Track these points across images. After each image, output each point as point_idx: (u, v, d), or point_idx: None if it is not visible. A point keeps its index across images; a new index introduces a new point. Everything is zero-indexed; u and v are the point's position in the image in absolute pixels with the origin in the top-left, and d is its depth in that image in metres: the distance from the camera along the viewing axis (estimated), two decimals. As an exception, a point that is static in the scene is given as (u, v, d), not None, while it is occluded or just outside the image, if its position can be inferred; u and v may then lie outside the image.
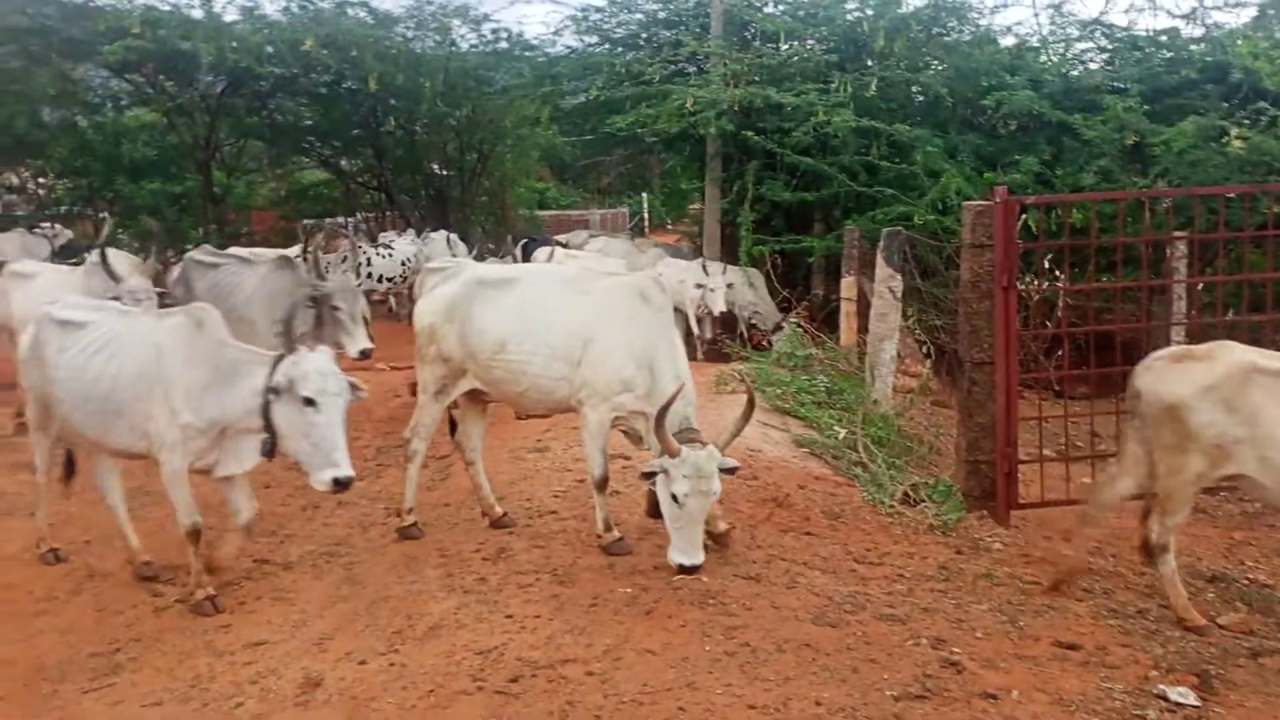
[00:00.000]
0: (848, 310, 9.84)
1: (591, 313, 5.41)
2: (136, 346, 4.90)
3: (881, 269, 8.26)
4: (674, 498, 4.87)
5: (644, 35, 15.45)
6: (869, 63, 13.30)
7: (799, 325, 10.75)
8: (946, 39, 13.87)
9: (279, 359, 4.62)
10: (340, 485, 4.54)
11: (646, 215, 25.04)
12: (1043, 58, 13.55)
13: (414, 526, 5.83)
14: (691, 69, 14.32)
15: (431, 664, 4.30)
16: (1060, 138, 11.75)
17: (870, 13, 13.43)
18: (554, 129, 17.27)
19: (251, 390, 4.65)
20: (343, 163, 18.45)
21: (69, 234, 15.01)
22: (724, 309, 11.79)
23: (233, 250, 9.95)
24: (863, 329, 9.04)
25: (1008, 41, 13.88)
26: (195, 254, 8.59)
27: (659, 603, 4.87)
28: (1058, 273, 9.15)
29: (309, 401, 4.48)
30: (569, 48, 16.33)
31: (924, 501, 6.38)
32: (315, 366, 4.53)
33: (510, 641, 4.50)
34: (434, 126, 17.26)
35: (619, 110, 13.67)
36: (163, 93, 15.95)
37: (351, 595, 5.08)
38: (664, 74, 13.76)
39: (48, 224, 15.30)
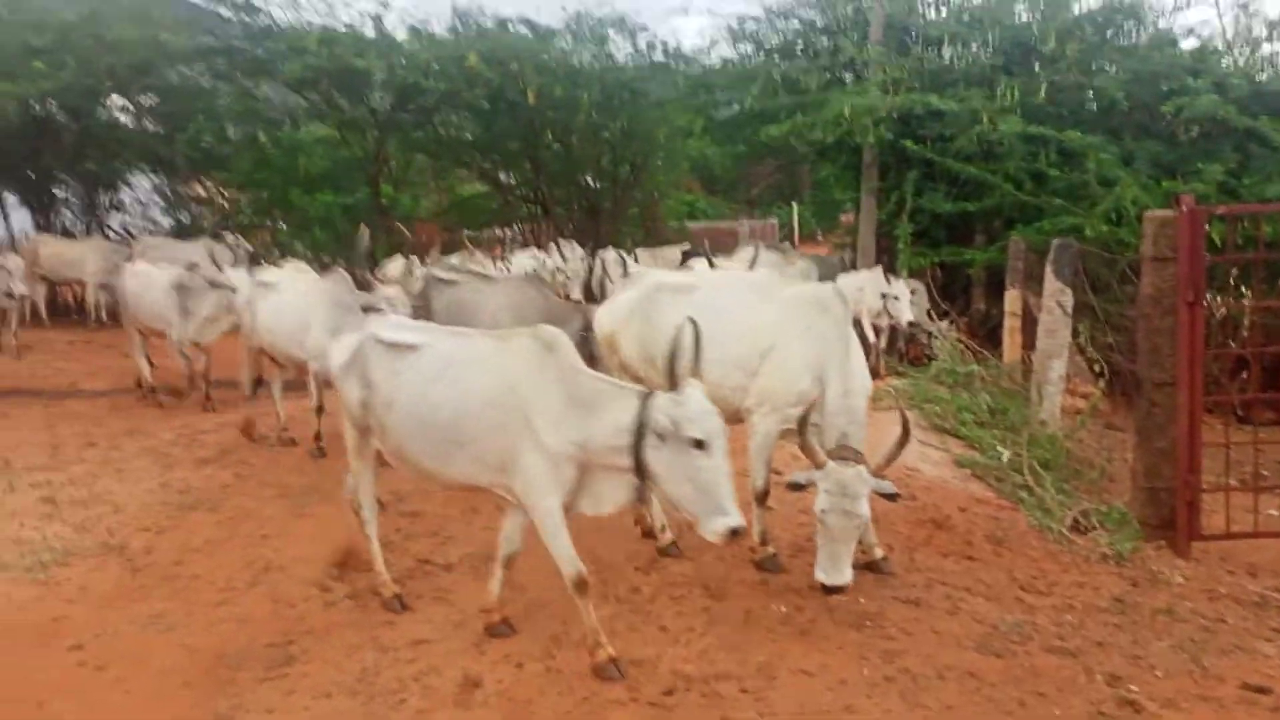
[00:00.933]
0: (1012, 326, 9.44)
1: (773, 322, 5.28)
2: (481, 372, 4.48)
3: (1050, 283, 7.90)
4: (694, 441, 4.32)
5: (801, 44, 15.30)
6: (1037, 67, 12.81)
7: (959, 341, 10.39)
8: (1122, 42, 13.19)
9: (648, 395, 4.10)
10: (734, 534, 3.97)
11: (796, 226, 24.78)
12: (1227, 60, 12.76)
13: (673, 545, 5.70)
14: (849, 76, 14.09)
15: (587, 672, 4.34)
16: (1246, 145, 11.02)
17: (1040, 15, 12.91)
18: (705, 140, 17.31)
19: (615, 427, 4.11)
20: (501, 175, 18.97)
21: (241, 242, 15.98)
22: (912, 318, 11.24)
23: (470, 267, 10.55)
24: (1027, 345, 8.67)
25: (1189, 43, 13.13)
26: (435, 270, 8.59)
27: (814, 623, 4.79)
28: (1244, 289, 8.56)
29: (699, 444, 3.94)
30: (724, 58, 16.37)
31: (1095, 529, 6.05)
32: (701, 406, 4.01)
33: (663, 654, 4.50)
34: (589, 139, 17.56)
35: (773, 120, 13.57)
36: (336, 108, 16.79)
37: (510, 599, 5.16)
38: (821, 82, 13.60)
39: (230, 233, 16.32)
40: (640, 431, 4.02)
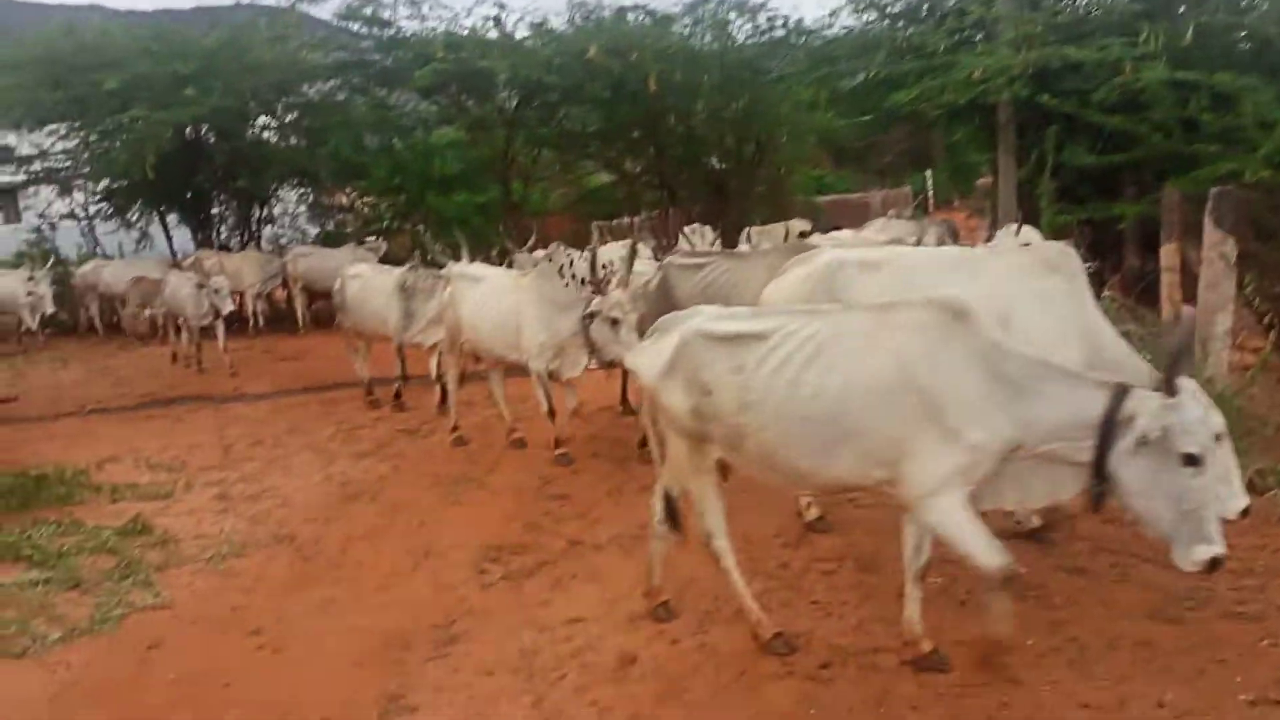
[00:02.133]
0: (1170, 281, 8.92)
1: (994, 293, 4.66)
2: (866, 352, 3.79)
3: (1210, 233, 7.44)
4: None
5: (925, 6, 14.82)
6: (1182, 10, 12.06)
7: (1113, 298, 9.91)
8: (1276, -26, 12.29)
9: (1123, 390, 3.45)
10: (1215, 565, 3.37)
11: (931, 193, 24.09)
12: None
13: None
14: (978, 36, 13.59)
15: (741, 646, 4.37)
16: None
17: (1183, -48, 12.17)
18: (831, 113, 16.99)
19: (1073, 420, 3.48)
20: (626, 164, 19.09)
21: (384, 246, 16.59)
22: None
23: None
24: (1188, 300, 8.19)
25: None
26: (674, 258, 7.92)
27: (971, 593, 4.65)
28: None
29: (1191, 460, 3.31)
30: (846, 28, 15.99)
31: (1273, 489, 5.69)
32: (1198, 415, 3.32)
33: (818, 627, 4.49)
34: (711, 121, 17.47)
35: (900, 86, 13.21)
36: (464, 111, 17.24)
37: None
38: (948, 44, 13.15)
39: (372, 238, 16.96)
40: (1110, 431, 3.42)
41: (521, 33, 16.66)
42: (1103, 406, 3.43)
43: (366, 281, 9.90)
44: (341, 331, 10.61)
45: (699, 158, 18.26)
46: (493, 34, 16.38)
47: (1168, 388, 3.33)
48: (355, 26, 16.92)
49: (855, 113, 16.67)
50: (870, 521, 5.52)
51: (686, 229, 13.65)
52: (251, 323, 16.02)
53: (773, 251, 7.35)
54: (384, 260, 16.81)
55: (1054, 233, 11.32)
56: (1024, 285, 4.73)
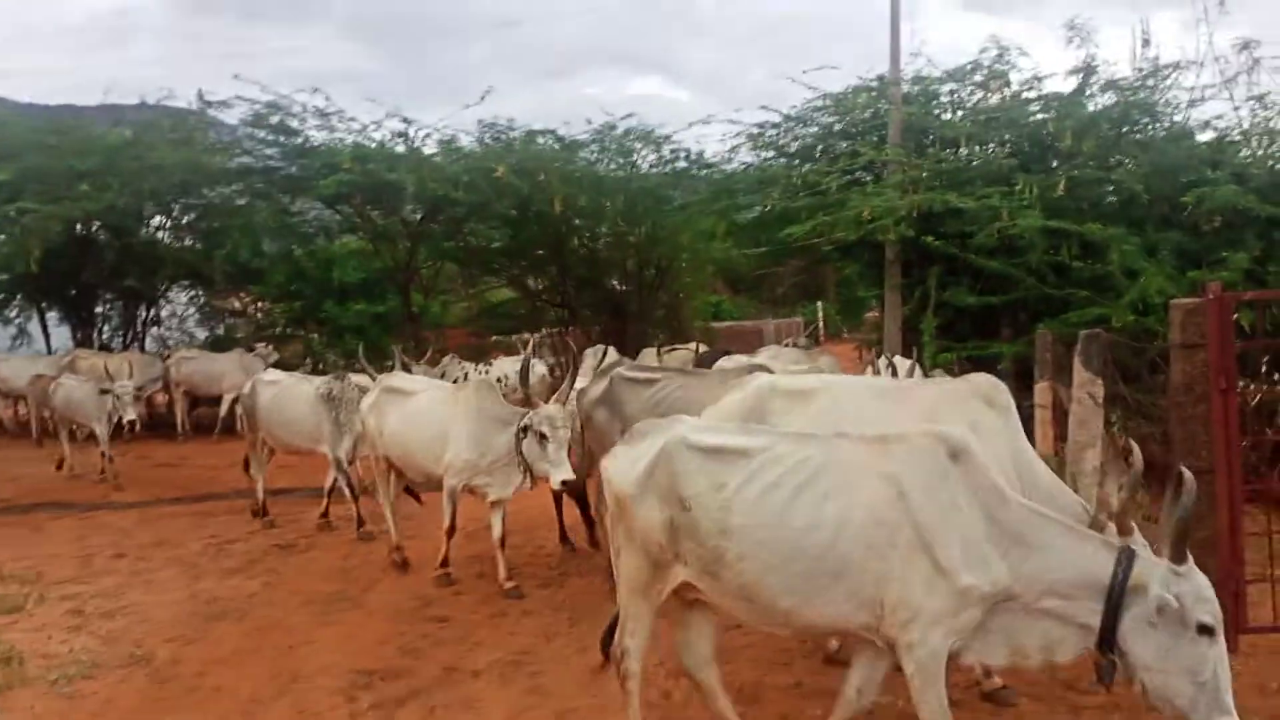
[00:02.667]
0: (1043, 418, 9.32)
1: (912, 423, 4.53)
2: (862, 481, 3.57)
3: (1080, 373, 7.81)
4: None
5: (820, 147, 15.55)
6: (1055, 163, 12.92)
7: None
8: (1139, 136, 13.33)
9: (1129, 552, 3.32)
10: None
11: (822, 324, 24.87)
12: (1245, 151, 12.82)
13: None
14: (868, 178, 14.29)
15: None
16: (1271, 233, 11.00)
17: (1055, 114, 13.11)
18: (729, 242, 17.53)
19: (1077, 580, 3.34)
20: (529, 281, 19.27)
21: (275, 354, 16.25)
22: None
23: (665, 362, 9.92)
24: (1059, 437, 8.54)
25: (1206, 136, 13.19)
26: (622, 370, 7.55)
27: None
28: (1276, 376, 8.44)
29: (1206, 629, 3.17)
30: (745, 163, 16.65)
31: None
32: (1206, 582, 3.25)
33: (697, 761, 4.37)
34: (615, 244, 17.88)
35: (795, 221, 13.72)
36: (369, 221, 17.24)
37: (537, 705, 5.07)
38: (840, 183, 13.77)
39: (262, 344, 16.61)
40: (1120, 599, 3.25)
41: (430, 148, 16.90)
42: (1109, 569, 3.28)
43: (283, 389, 9.37)
44: (246, 439, 9.96)
45: (601, 279, 18.58)
46: (400, 148, 16.56)
47: (1175, 554, 3.23)
48: (262, 133, 16.91)
49: (752, 244, 17.22)
50: (753, 649, 5.47)
51: (589, 350, 13.71)
52: (127, 427, 15.35)
53: (729, 372, 7.22)
54: (276, 367, 16.52)
55: (935, 366, 11.79)
56: (955, 416, 4.58)
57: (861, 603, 3.51)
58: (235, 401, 15.74)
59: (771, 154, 16.11)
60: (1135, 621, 3.23)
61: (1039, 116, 13.51)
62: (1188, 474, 3.31)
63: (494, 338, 18.59)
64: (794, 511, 3.56)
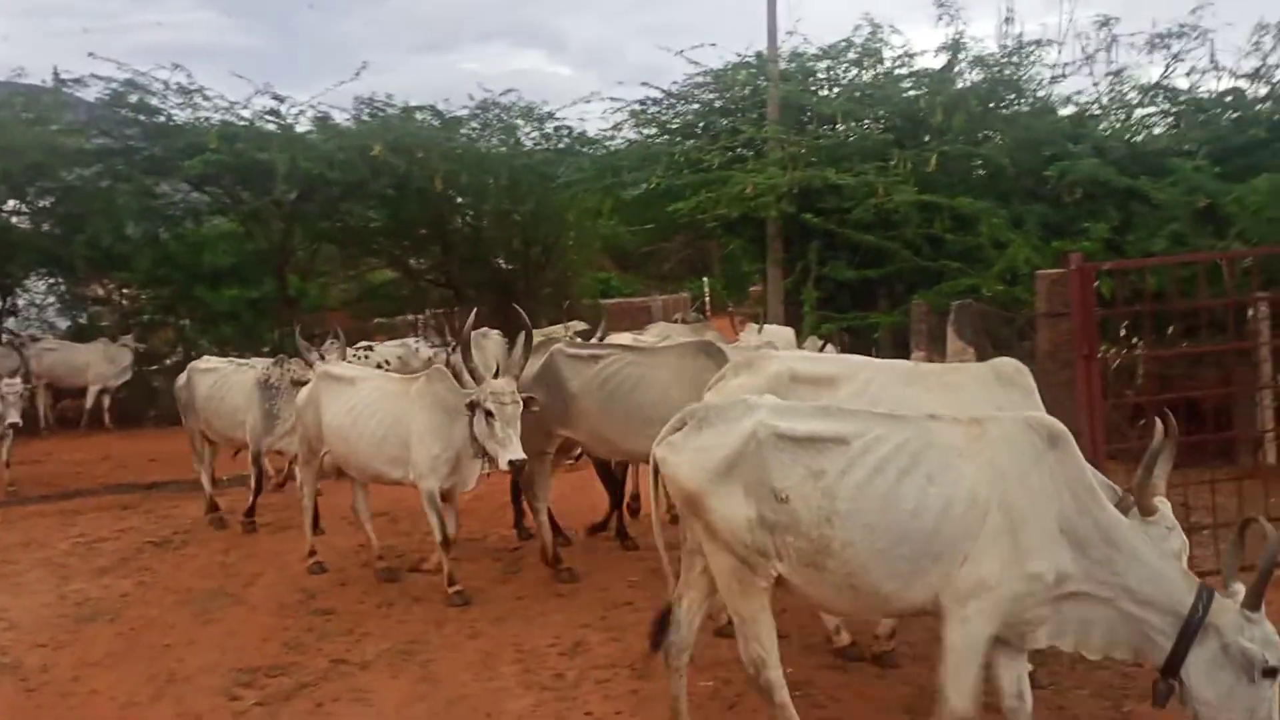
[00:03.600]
0: (919, 386, 9.63)
1: (956, 404, 4.44)
2: (960, 462, 3.53)
3: (953, 342, 8.11)
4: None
5: (701, 124, 15.68)
6: (927, 139, 13.32)
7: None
8: (1005, 111, 13.84)
9: (1209, 595, 3.34)
10: None
11: (708, 299, 25.11)
12: (1104, 125, 13.44)
13: None
14: (749, 154, 14.46)
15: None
16: (1129, 203, 11.55)
17: (926, 90, 13.49)
18: (615, 219, 17.51)
19: (1162, 602, 3.35)
20: (411, 261, 18.87)
21: (139, 344, 15.55)
22: None
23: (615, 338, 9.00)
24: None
25: (1068, 111, 13.79)
26: (562, 347, 7.13)
27: (741, 696, 4.73)
28: (1135, 340, 8.89)
29: (1271, 673, 3.20)
30: (628, 140, 16.67)
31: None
32: (1272, 632, 3.25)
33: (591, 740, 4.38)
34: (499, 222, 17.63)
35: (679, 197, 13.82)
36: (240, 202, 16.57)
37: (429, 694, 5.01)
38: (722, 160, 13.93)
39: (127, 335, 15.84)
40: (1193, 635, 3.28)
41: (303, 126, 16.34)
42: (1189, 602, 3.31)
43: (222, 377, 8.76)
44: (186, 432, 9.39)
45: (486, 258, 18.33)
46: (272, 126, 15.96)
47: (1252, 601, 3.28)
48: (122, 112, 16.07)
49: (638, 221, 17.27)
50: (645, 625, 5.49)
51: (477, 333, 13.15)
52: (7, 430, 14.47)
53: (678, 347, 6.79)
54: (144, 359, 15.81)
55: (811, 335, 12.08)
56: (984, 399, 4.55)
57: (948, 581, 3.47)
58: (102, 393, 15.08)
59: (654, 131, 16.17)
60: (1203, 658, 3.28)
61: (911, 93, 13.90)
62: (1269, 526, 3.38)
63: (377, 320, 18.15)
64: (901, 495, 3.48)
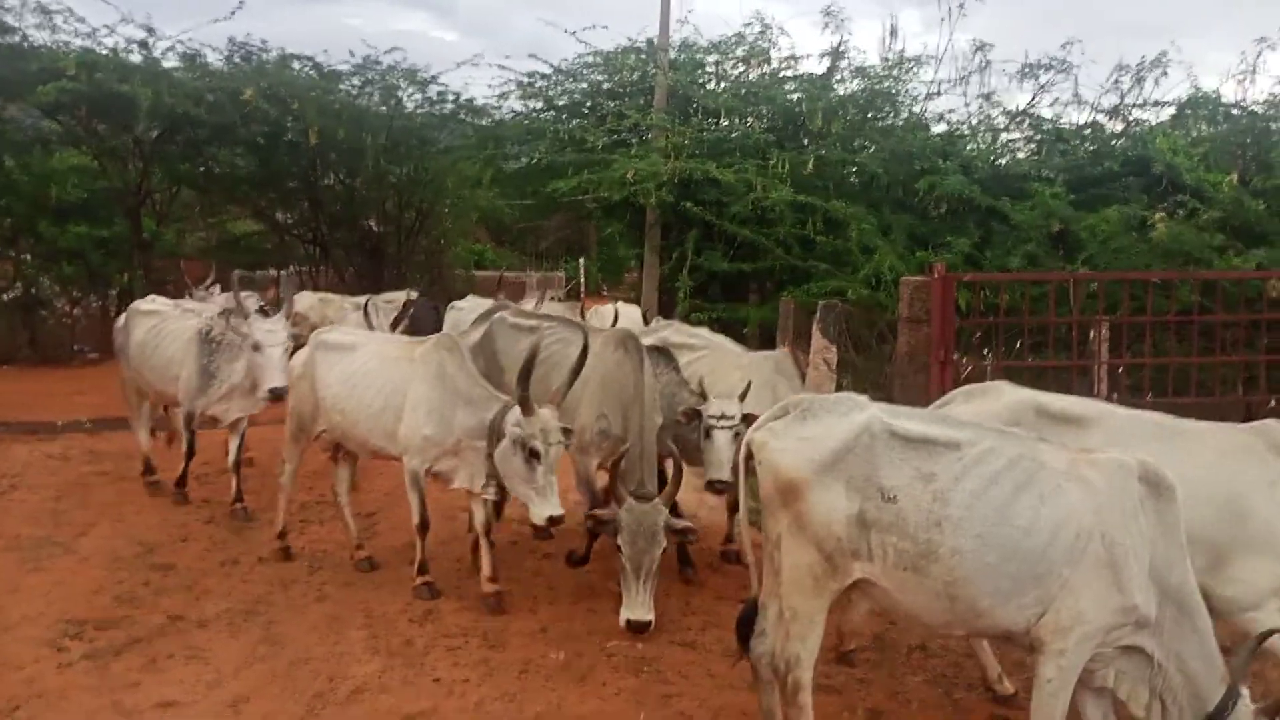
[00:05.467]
0: (782, 380, 9.89)
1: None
2: (1070, 487, 3.43)
3: (817, 340, 8.35)
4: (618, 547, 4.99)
5: (588, 104, 15.65)
6: (806, 142, 13.66)
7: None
8: (881, 123, 14.31)
9: (1236, 693, 3.38)
10: None
11: (584, 280, 25.13)
12: (972, 145, 14.05)
13: None
14: (634, 139, 14.53)
15: (347, 724, 4.13)
16: (989, 221, 12.13)
17: (807, 95, 13.82)
18: (495, 191, 17.30)
19: (1199, 673, 3.39)
20: (278, 214, 18.18)
21: None
22: None
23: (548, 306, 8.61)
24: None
25: (940, 128, 14.38)
26: (505, 315, 6.70)
27: (593, 669, 4.77)
28: (986, 351, 9.34)
29: None
30: (514, 112, 16.49)
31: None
32: None
33: (438, 707, 4.37)
34: (374, 183, 17.14)
35: (561, 175, 13.78)
36: (95, 135, 15.61)
37: (270, 656, 4.87)
38: (607, 142, 13.95)
39: None
40: (1231, 702, 3.34)
41: (171, 62, 15.48)
42: (1217, 697, 3.36)
43: (161, 323, 7.66)
44: (120, 383, 8.30)
45: (357, 218, 17.81)
46: (136, 58, 15.07)
47: (1272, 711, 3.37)
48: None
49: (518, 195, 17.12)
50: (499, 597, 5.49)
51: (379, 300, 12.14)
52: None
53: (603, 335, 6.16)
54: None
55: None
56: (1251, 470, 4.19)
57: (1043, 607, 3.39)
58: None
59: (540, 105, 16.06)
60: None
61: (794, 95, 14.21)
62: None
63: (236, 272, 17.40)
64: (1016, 510, 3.39)
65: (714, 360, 6.76)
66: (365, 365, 5.97)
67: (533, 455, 5.05)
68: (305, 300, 11.31)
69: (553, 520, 5.10)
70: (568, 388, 5.40)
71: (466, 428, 5.46)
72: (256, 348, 6.70)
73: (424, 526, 5.72)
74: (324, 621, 5.31)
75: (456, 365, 5.67)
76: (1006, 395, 4.45)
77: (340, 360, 6.08)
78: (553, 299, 12.84)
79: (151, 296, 8.64)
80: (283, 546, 6.36)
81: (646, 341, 6.47)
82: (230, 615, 5.38)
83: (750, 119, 14.50)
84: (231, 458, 7.21)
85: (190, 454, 7.42)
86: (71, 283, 15.35)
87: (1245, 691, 3.42)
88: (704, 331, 7.61)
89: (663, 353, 6.46)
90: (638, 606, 5.03)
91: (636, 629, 5.00)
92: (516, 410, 5.12)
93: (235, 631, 5.17)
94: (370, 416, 5.81)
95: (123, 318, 8.10)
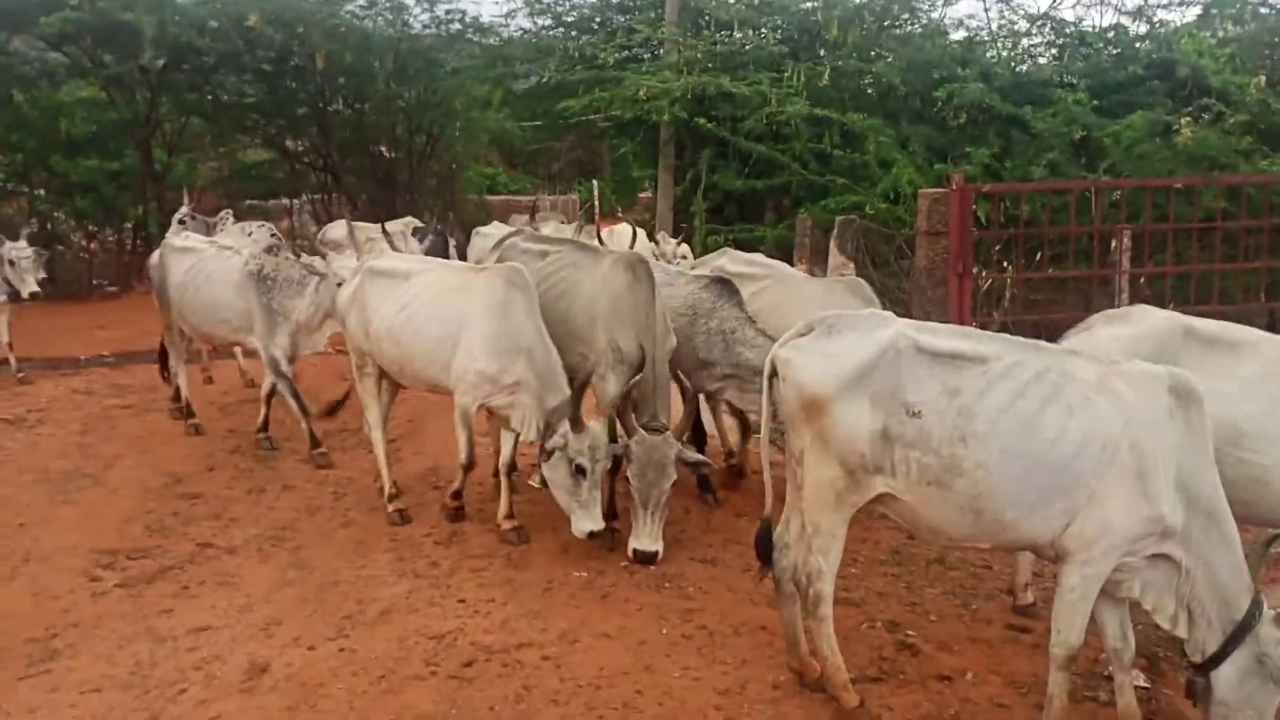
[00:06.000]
0: (799, 298, 9.84)
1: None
2: (1097, 399, 3.41)
3: (834, 257, 8.30)
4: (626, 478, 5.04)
5: (598, 19, 15.37)
6: (822, 53, 13.37)
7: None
8: (898, 31, 13.98)
9: (1259, 604, 3.37)
10: None
11: (597, 202, 24.92)
12: (992, 52, 13.72)
13: None
14: (645, 55, 14.26)
15: (383, 649, 4.23)
16: (1009, 131, 11.89)
17: (823, 4, 13.48)
18: (505, 112, 17.09)
19: (1228, 583, 3.38)
20: (288, 142, 18.04)
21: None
22: None
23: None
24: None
25: (958, 35, 14.04)
26: (519, 240, 6.46)
27: (615, 586, 4.85)
28: (1005, 264, 9.26)
29: None
30: (522, 30, 16.22)
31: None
32: None
33: (464, 626, 4.44)
34: (383, 107, 16.96)
35: (571, 94, 13.59)
36: (102, 66, 15.45)
37: (299, 580, 4.97)
38: (618, 59, 13.71)
39: None
40: (1240, 637, 3.35)
41: (175, -12, 15.22)
42: (1245, 607, 3.36)
43: (200, 262, 7.27)
44: (162, 324, 7.88)
45: (368, 144, 17.66)
46: (140, -15, 14.82)
47: None
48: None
49: (528, 116, 16.93)
50: (521, 517, 5.55)
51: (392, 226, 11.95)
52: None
53: (610, 258, 5.87)
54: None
55: (705, 249, 12.15)
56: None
57: (1069, 518, 3.39)
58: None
59: (549, 22, 15.79)
60: (1239, 663, 3.36)
61: (808, 4, 13.86)
62: None
63: (248, 202, 17.35)
64: (1042, 423, 3.38)
65: (781, 291, 6.33)
66: (422, 292, 5.66)
67: (579, 471, 5.03)
68: (338, 229, 11.29)
69: (593, 535, 5.07)
70: None
71: (525, 372, 5.28)
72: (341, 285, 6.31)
73: (469, 466, 5.55)
74: (351, 546, 5.40)
75: (525, 299, 5.40)
76: (1151, 318, 4.26)
77: (393, 288, 5.75)
78: (562, 224, 12.72)
79: (185, 234, 8.54)
80: (398, 509, 5.81)
81: (702, 271, 6.36)
82: (259, 542, 5.48)
83: (763, 30, 14.18)
84: (265, 389, 7.15)
85: (303, 408, 6.85)
86: (86, 217, 15.32)
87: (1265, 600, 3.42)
88: (761, 258, 7.03)
89: (724, 285, 5.97)
90: (644, 536, 5.06)
91: (643, 559, 5.04)
92: (566, 424, 5.04)
93: (264, 557, 5.27)
94: (427, 348, 5.51)
95: (156, 255, 7.78)
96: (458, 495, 5.70)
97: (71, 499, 6.16)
